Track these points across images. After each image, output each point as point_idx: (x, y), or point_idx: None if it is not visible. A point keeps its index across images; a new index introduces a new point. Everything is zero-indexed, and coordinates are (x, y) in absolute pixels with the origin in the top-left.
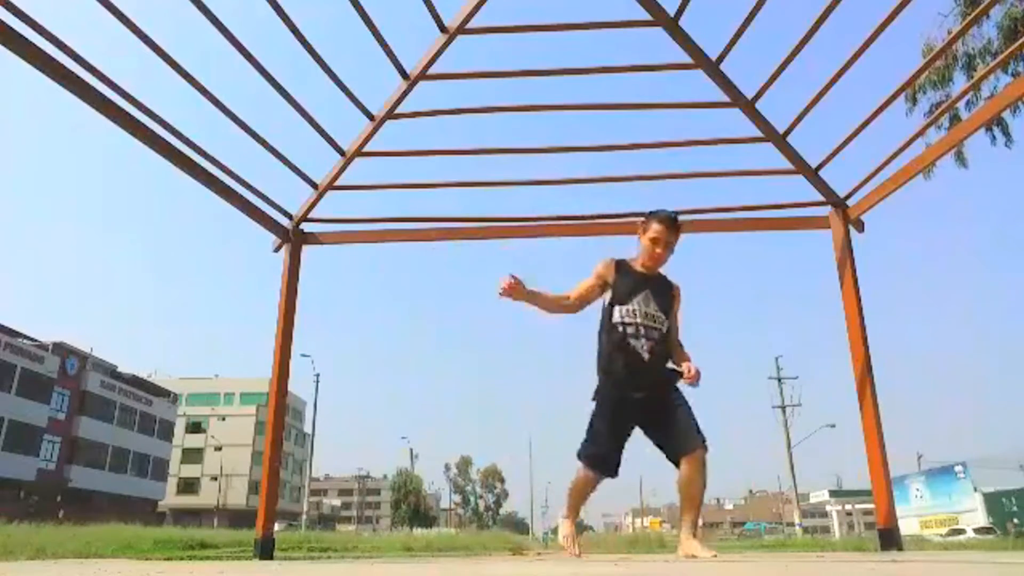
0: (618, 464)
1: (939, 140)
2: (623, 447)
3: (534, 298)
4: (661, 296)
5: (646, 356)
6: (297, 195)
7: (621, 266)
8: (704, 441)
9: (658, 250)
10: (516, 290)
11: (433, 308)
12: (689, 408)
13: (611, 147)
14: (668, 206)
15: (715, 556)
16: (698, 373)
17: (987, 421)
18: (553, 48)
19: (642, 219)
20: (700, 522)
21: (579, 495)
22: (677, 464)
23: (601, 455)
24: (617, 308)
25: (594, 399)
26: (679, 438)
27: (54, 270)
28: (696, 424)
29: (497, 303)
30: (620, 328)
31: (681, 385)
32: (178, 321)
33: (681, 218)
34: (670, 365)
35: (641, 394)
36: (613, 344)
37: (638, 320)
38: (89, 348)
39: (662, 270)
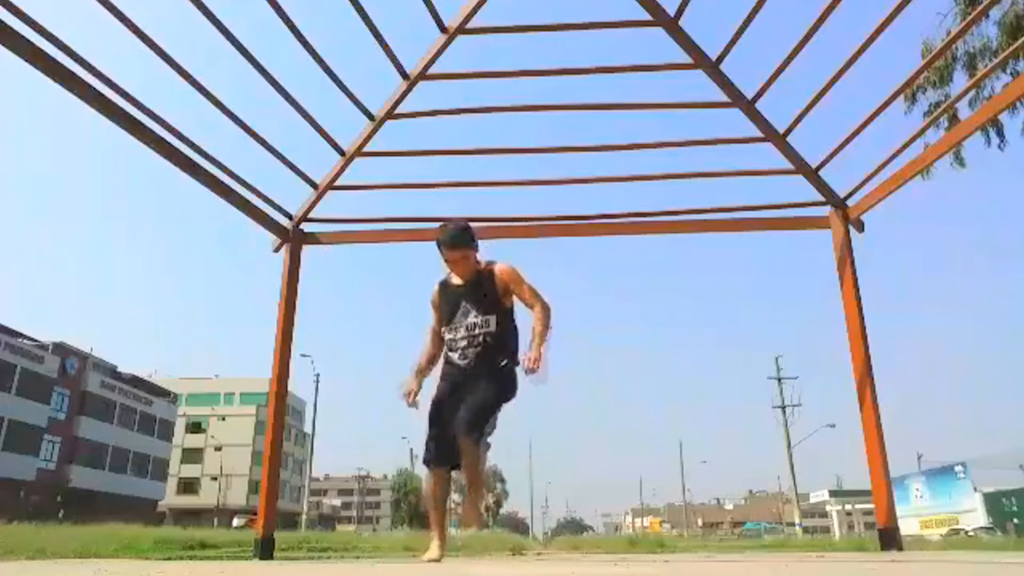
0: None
1: (939, 140)
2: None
3: (424, 373)
4: (478, 300)
5: (464, 364)
6: (297, 195)
7: (443, 288)
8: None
9: (457, 269)
10: (413, 392)
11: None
12: (487, 399)
13: (611, 147)
14: (668, 206)
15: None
16: (535, 361)
17: (987, 421)
18: (553, 48)
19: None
20: (698, 521)
21: (435, 499)
22: None
23: (434, 455)
24: (444, 330)
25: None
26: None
27: (54, 270)
28: (478, 412)
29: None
30: (447, 346)
31: (524, 376)
32: (178, 321)
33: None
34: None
35: (451, 382)
36: (444, 360)
37: (459, 335)
38: (89, 348)
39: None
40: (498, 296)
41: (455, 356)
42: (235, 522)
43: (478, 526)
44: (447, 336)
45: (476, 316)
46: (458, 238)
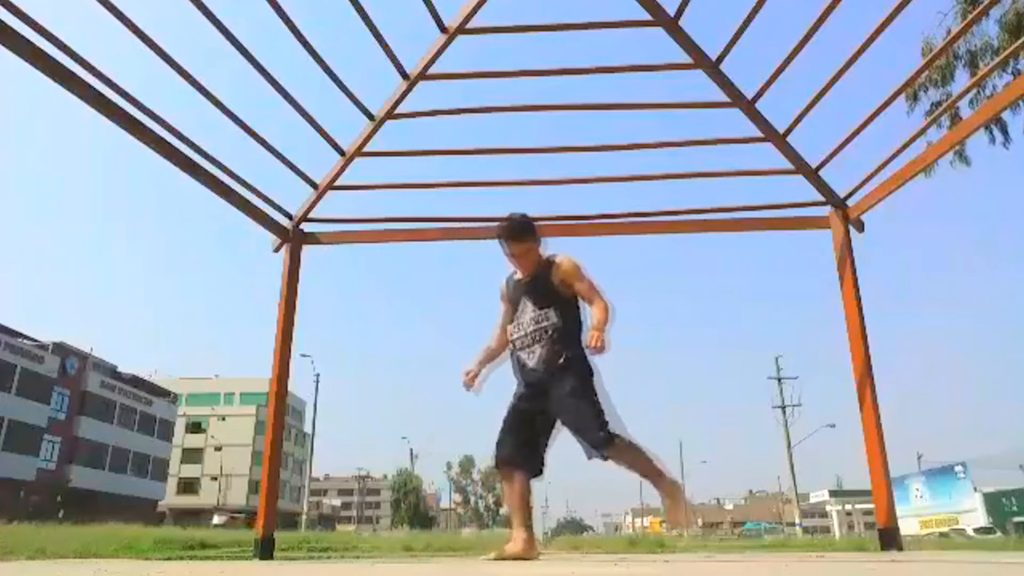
0: (539, 462)
1: (939, 139)
2: (537, 443)
3: (484, 363)
4: (537, 293)
5: (532, 363)
6: (297, 195)
7: (509, 283)
8: (610, 440)
9: (517, 263)
10: (474, 377)
11: (433, 307)
12: (582, 415)
13: (611, 147)
14: (668, 206)
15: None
16: (599, 339)
17: (987, 421)
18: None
19: None
20: (698, 521)
21: (513, 499)
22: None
23: (506, 455)
24: (510, 327)
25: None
26: (589, 453)
27: (54, 270)
28: (589, 424)
29: (497, 302)
30: (513, 345)
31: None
32: (178, 321)
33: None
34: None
35: (532, 391)
36: (512, 360)
37: (521, 333)
38: (89, 348)
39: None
40: (555, 287)
41: (524, 356)
42: (215, 520)
43: (686, 524)
44: (513, 335)
45: (535, 310)
46: (521, 231)
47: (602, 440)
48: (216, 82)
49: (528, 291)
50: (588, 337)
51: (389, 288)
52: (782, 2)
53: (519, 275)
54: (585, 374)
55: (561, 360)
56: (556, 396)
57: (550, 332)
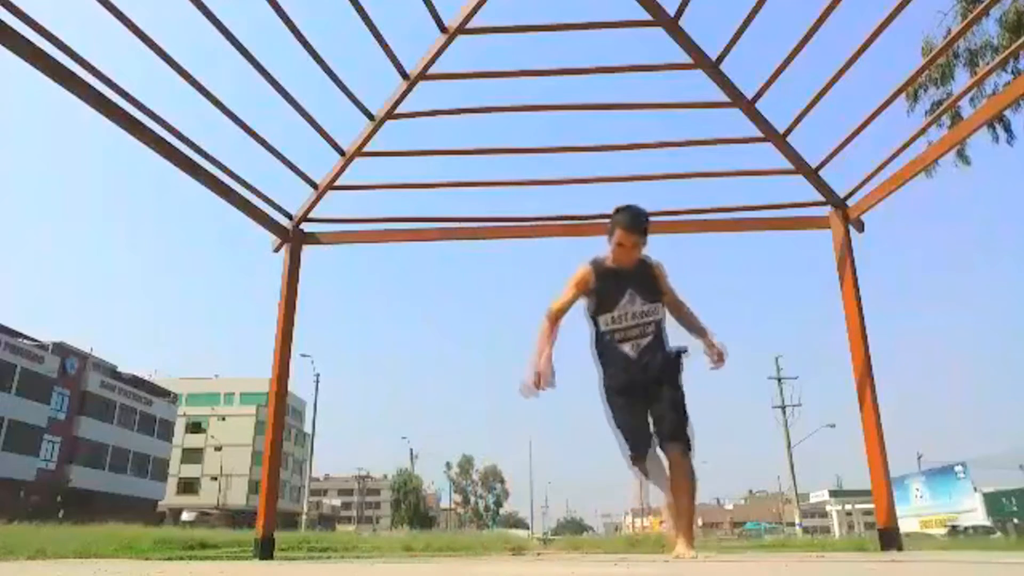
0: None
1: (940, 139)
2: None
3: (548, 350)
4: (645, 287)
5: (634, 356)
6: (297, 195)
7: (599, 270)
8: (687, 443)
9: (627, 255)
10: (545, 376)
11: (433, 307)
12: (680, 403)
13: (611, 147)
14: (668, 206)
15: (695, 557)
16: (721, 355)
17: (987, 421)
18: (553, 48)
19: (609, 220)
20: (698, 522)
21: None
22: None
23: (642, 446)
24: (603, 317)
25: (607, 401)
26: (661, 436)
27: (54, 270)
28: (679, 424)
29: (497, 302)
30: (609, 336)
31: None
32: (178, 321)
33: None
34: (680, 344)
35: (638, 378)
36: (607, 351)
37: (626, 324)
38: (89, 348)
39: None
40: (659, 288)
41: (626, 347)
42: (184, 516)
43: (692, 549)
44: (611, 324)
45: (645, 304)
46: (643, 222)
47: (685, 438)
48: (216, 82)
49: (635, 284)
50: (717, 351)
51: (389, 288)
52: (782, 2)
53: (612, 264)
54: (681, 377)
55: (674, 355)
56: (667, 387)
57: (657, 328)
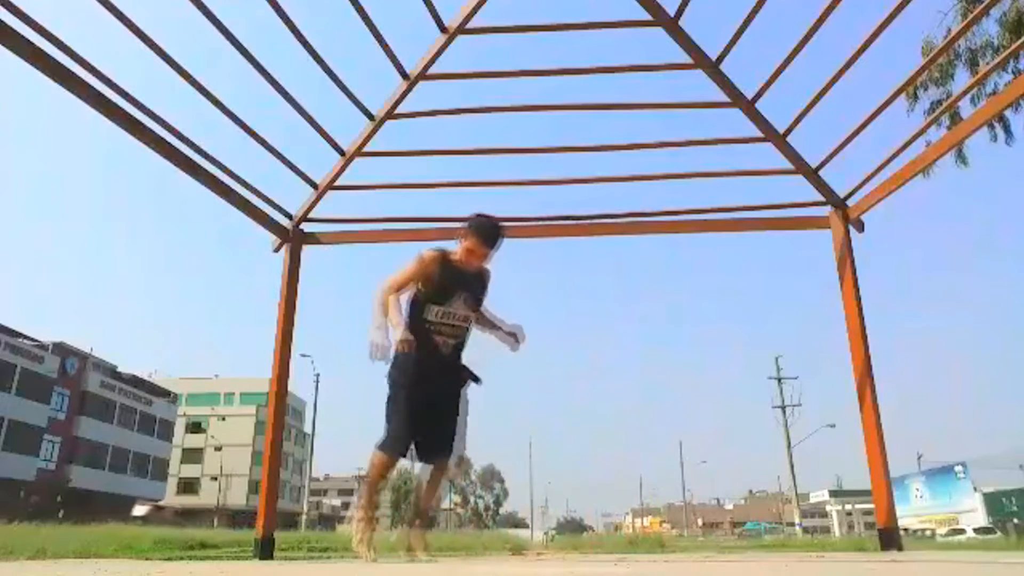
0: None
1: (939, 139)
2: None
3: (389, 323)
4: (475, 294)
5: (445, 354)
6: (297, 195)
7: (445, 263)
8: (450, 456)
9: (475, 260)
10: (382, 349)
11: None
12: (462, 419)
13: (611, 147)
14: (668, 206)
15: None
16: (515, 336)
17: (987, 421)
18: (553, 48)
19: (466, 223)
20: (698, 521)
21: (375, 486)
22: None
23: (405, 444)
24: (430, 307)
25: (391, 389)
26: (436, 443)
27: (54, 270)
28: (463, 431)
29: (497, 302)
30: (428, 327)
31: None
32: (178, 321)
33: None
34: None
35: (432, 386)
36: (419, 336)
37: (448, 322)
38: (89, 348)
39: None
40: (483, 296)
41: (439, 341)
42: (136, 511)
43: (425, 549)
44: (435, 317)
45: (468, 311)
46: (500, 239)
47: (460, 449)
48: (216, 82)
49: (471, 288)
50: (508, 336)
51: None
52: (782, 2)
53: (457, 262)
54: None
55: (464, 367)
56: (456, 393)
57: (467, 334)
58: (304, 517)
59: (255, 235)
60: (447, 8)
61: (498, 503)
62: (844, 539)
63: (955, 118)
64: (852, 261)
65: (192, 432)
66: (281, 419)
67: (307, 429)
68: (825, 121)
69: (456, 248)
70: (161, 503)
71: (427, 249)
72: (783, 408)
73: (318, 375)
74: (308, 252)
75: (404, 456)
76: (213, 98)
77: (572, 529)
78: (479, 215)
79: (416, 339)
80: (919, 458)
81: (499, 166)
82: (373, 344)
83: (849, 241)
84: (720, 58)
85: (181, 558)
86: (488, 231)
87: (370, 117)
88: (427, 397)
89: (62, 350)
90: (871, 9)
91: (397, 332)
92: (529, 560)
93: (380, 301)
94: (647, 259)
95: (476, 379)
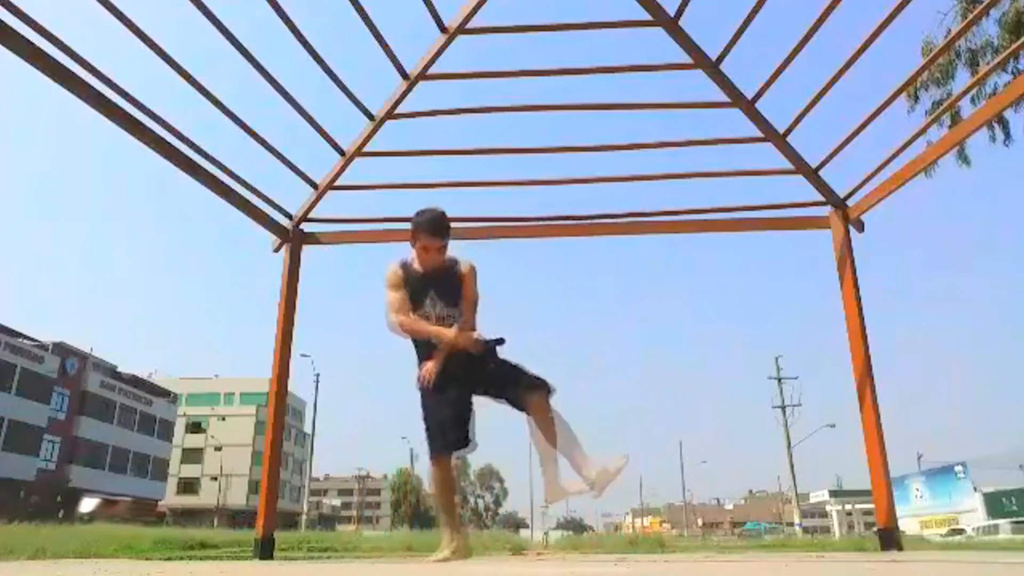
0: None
1: (940, 139)
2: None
3: (428, 333)
4: (446, 291)
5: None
6: (297, 195)
7: (406, 271)
8: (545, 383)
9: (431, 258)
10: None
11: None
12: (515, 366)
13: (611, 147)
14: (668, 206)
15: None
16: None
17: (987, 421)
18: (553, 48)
19: (412, 224)
20: (698, 521)
21: (452, 490)
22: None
23: (446, 437)
24: (411, 314)
25: (420, 399)
26: (518, 389)
27: (54, 270)
28: (529, 373)
29: (497, 302)
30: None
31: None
32: (178, 321)
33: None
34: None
35: (448, 371)
36: (419, 348)
37: (432, 319)
38: (89, 348)
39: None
40: (460, 291)
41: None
42: (84, 506)
43: (562, 496)
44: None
45: (445, 308)
46: (443, 226)
47: (543, 382)
48: (216, 82)
49: (437, 286)
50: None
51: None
52: (782, 2)
53: (417, 267)
54: None
55: (478, 339)
56: (475, 360)
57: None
58: (304, 517)
59: (255, 235)
60: (447, 8)
61: (497, 503)
62: (844, 539)
63: (955, 118)
64: (852, 261)
65: (192, 432)
66: (281, 419)
67: (307, 429)
68: (825, 121)
69: (412, 254)
70: (114, 498)
71: (388, 265)
72: (783, 408)
73: (318, 375)
74: (308, 252)
75: (455, 448)
76: (213, 98)
77: (572, 529)
78: (418, 212)
79: (416, 347)
80: (919, 458)
81: (499, 166)
82: (444, 337)
83: (849, 241)
84: (720, 58)
85: (181, 558)
86: (430, 223)
87: (370, 117)
88: (447, 384)
89: (62, 350)
90: (871, 9)
91: (444, 332)
92: (529, 560)
93: (409, 325)
94: (647, 259)
95: (497, 343)
